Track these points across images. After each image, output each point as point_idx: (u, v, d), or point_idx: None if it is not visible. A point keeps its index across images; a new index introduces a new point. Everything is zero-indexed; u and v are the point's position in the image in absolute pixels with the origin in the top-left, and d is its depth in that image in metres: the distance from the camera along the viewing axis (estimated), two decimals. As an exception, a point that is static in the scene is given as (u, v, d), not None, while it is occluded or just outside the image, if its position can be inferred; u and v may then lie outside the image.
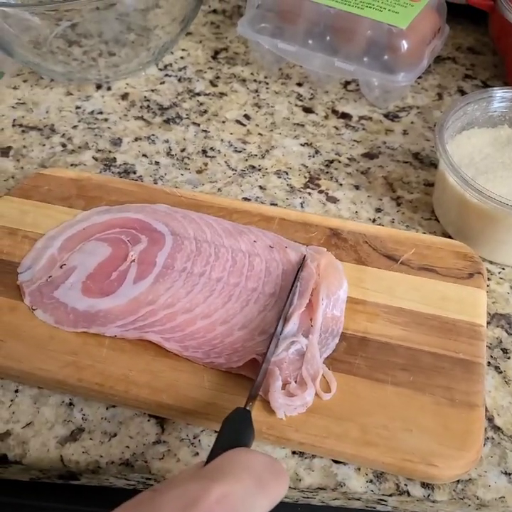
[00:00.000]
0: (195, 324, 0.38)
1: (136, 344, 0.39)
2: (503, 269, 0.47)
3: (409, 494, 0.36)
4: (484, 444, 0.37)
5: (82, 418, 0.38)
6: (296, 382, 0.37)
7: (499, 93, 0.49)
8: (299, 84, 0.63)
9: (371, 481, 0.36)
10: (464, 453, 0.35)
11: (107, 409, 0.39)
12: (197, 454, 0.37)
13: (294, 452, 0.37)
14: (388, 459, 0.35)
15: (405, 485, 0.36)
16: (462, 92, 0.62)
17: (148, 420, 0.38)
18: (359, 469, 0.36)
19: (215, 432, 0.38)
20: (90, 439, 0.37)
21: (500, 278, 0.46)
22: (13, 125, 0.57)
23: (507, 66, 0.61)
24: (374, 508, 0.37)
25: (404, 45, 0.55)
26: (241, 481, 0.27)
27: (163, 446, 0.37)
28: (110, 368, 0.38)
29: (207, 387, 0.37)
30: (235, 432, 0.32)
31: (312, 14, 0.58)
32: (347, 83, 0.62)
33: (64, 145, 0.56)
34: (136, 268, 0.42)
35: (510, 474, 0.37)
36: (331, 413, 0.36)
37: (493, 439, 0.38)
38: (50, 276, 0.42)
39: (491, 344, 0.42)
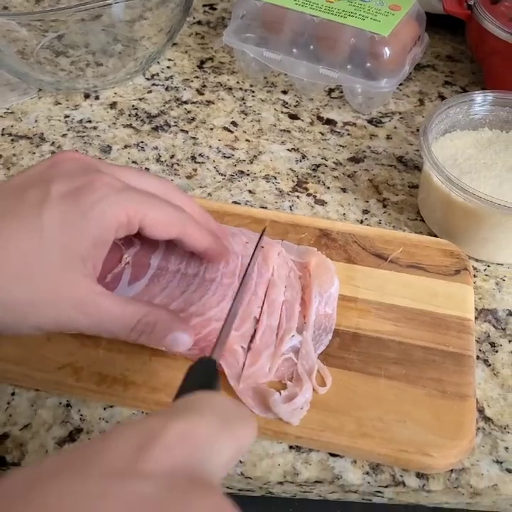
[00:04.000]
0: (191, 322, 0.39)
1: (132, 344, 0.39)
2: (489, 266, 0.48)
3: (404, 485, 0.37)
4: (476, 435, 0.38)
5: (80, 419, 0.38)
6: (291, 380, 0.38)
7: (480, 97, 0.51)
8: (284, 92, 0.64)
9: (367, 473, 0.37)
10: (457, 442, 0.36)
11: (104, 409, 0.39)
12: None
13: (290, 447, 0.38)
14: (384, 450, 0.36)
15: (401, 476, 0.37)
16: (443, 98, 0.64)
17: (146, 420, 0.38)
18: (355, 462, 0.37)
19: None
20: (89, 439, 0.38)
21: (486, 275, 0.48)
22: (2, 134, 0.58)
23: (485, 72, 0.63)
24: (370, 500, 0.38)
25: (387, 51, 0.56)
26: (205, 419, 0.24)
27: (161, 445, 0.37)
28: (107, 368, 0.38)
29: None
30: (200, 379, 0.30)
31: (296, 24, 0.59)
32: (331, 90, 0.64)
33: (54, 153, 0.56)
34: (130, 270, 0.42)
35: (501, 463, 0.37)
36: (326, 407, 0.37)
37: (484, 429, 0.39)
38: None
39: (479, 338, 0.44)
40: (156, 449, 0.22)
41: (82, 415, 0.38)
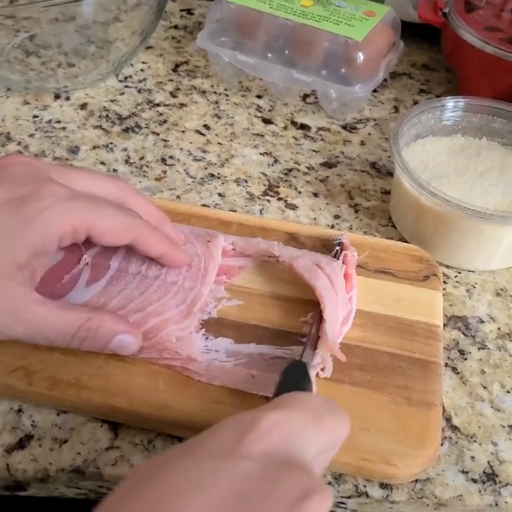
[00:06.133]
0: (147, 323, 0.38)
1: (88, 347, 0.38)
2: (459, 272, 0.47)
3: (368, 495, 0.35)
4: (442, 444, 0.37)
5: (32, 425, 0.37)
6: None
7: (451, 103, 0.51)
8: (259, 97, 0.63)
9: (330, 483, 0.36)
10: (421, 451, 0.35)
11: (58, 415, 0.37)
12: (151, 459, 0.36)
13: (251, 455, 0.36)
14: (347, 458, 0.35)
15: (364, 486, 0.36)
16: (418, 106, 0.63)
17: (102, 426, 0.37)
18: (317, 471, 0.36)
19: (170, 436, 0.37)
20: (39, 446, 0.36)
21: (457, 281, 0.47)
22: (-32, 133, 0.56)
23: (459, 81, 0.63)
24: (333, 511, 0.37)
25: (361, 56, 0.56)
26: (297, 412, 0.28)
27: (115, 452, 0.36)
28: (61, 371, 0.37)
29: (162, 390, 0.37)
30: (294, 380, 0.33)
31: (271, 27, 0.59)
32: (306, 96, 0.63)
33: (20, 152, 0.55)
34: (89, 271, 0.41)
35: (467, 472, 0.36)
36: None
37: (450, 438, 0.38)
38: (0, 280, 0.41)
39: (448, 345, 0.43)
40: (253, 435, 0.26)
41: (33, 421, 0.37)
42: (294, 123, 0.60)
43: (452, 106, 0.51)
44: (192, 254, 0.43)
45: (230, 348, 0.38)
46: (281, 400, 0.29)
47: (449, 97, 0.51)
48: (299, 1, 0.60)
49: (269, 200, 0.52)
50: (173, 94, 0.63)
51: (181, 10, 0.75)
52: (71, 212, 0.34)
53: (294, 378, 0.34)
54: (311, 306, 0.41)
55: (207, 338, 0.39)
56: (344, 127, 0.60)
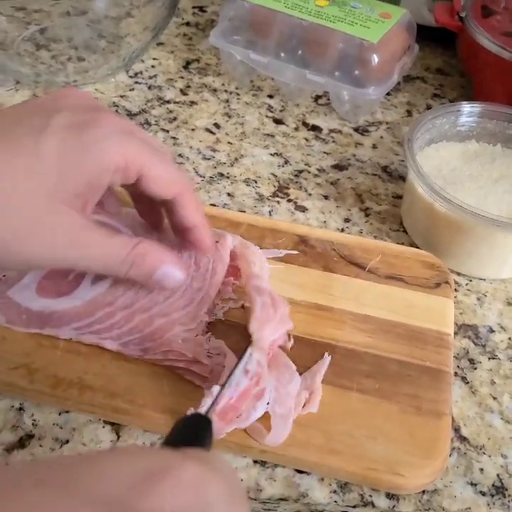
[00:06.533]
0: (153, 324, 0.37)
1: (92, 346, 0.37)
2: (471, 280, 0.47)
3: (373, 505, 0.35)
4: (450, 455, 0.36)
5: (33, 424, 0.36)
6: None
7: (467, 108, 0.50)
8: (270, 96, 0.62)
9: (335, 492, 0.35)
10: (430, 462, 0.34)
11: (59, 414, 0.36)
12: (153, 462, 0.35)
13: (255, 461, 0.35)
14: (352, 467, 0.34)
15: (370, 496, 0.35)
16: (431, 110, 0.63)
17: (103, 427, 0.36)
18: (322, 479, 0.35)
19: (174, 439, 0.36)
20: (40, 445, 0.35)
21: (468, 289, 0.46)
22: (-25, 125, 0.56)
23: (475, 86, 0.62)
24: (337, 521, 0.36)
25: (375, 58, 0.55)
26: (221, 479, 0.22)
27: (117, 454, 0.35)
28: (64, 370, 0.36)
29: (166, 392, 0.36)
30: (196, 435, 0.28)
31: (285, 26, 0.58)
32: (318, 97, 0.63)
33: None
34: (96, 268, 0.40)
35: (475, 485, 0.36)
36: (294, 420, 0.35)
37: (459, 449, 0.37)
38: (4, 275, 0.40)
39: (458, 354, 0.42)
40: (167, 483, 0.20)
41: (34, 420, 0.36)
42: (305, 124, 0.60)
43: (468, 111, 0.50)
44: (200, 256, 0.42)
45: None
46: (200, 454, 0.24)
47: (464, 102, 0.50)
48: (314, 0, 0.59)
49: (278, 202, 0.52)
50: (183, 92, 0.62)
51: (194, 7, 0.75)
52: (127, 146, 0.33)
53: (197, 432, 0.28)
54: (318, 310, 0.41)
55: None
56: (356, 130, 0.60)
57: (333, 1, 0.59)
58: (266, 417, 0.34)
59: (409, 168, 0.45)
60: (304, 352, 0.38)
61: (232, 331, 0.39)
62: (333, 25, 0.56)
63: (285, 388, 0.35)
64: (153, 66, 0.65)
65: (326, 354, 0.38)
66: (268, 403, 0.34)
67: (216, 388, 0.33)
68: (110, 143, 0.32)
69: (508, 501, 0.35)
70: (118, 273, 0.35)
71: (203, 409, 0.32)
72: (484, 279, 0.47)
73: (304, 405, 0.35)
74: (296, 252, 0.44)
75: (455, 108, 0.49)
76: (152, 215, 0.41)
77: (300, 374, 0.37)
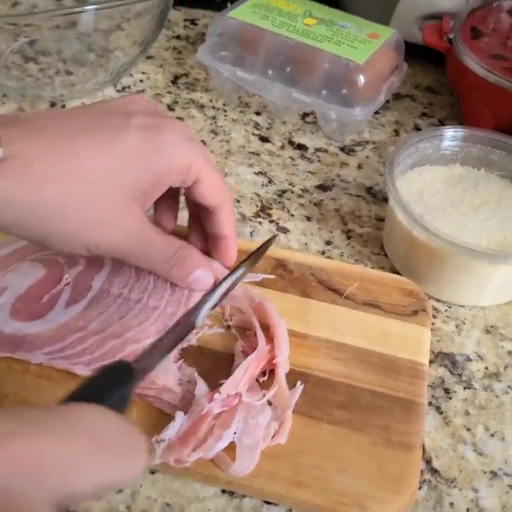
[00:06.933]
0: (125, 350, 0.37)
1: (62, 371, 0.37)
2: (450, 307, 0.46)
3: (341, 539, 0.34)
4: (421, 487, 0.36)
5: (1, 449, 0.36)
6: None
7: (450, 132, 0.50)
8: (258, 114, 0.62)
9: (302, 524, 0.35)
10: (398, 496, 0.34)
11: (28, 439, 0.36)
12: (120, 490, 0.35)
13: (223, 491, 0.35)
14: (320, 500, 0.34)
15: (338, 529, 0.35)
16: (418, 130, 0.62)
17: (72, 453, 0.36)
18: (290, 511, 0.35)
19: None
20: None
21: (447, 316, 0.46)
22: (-40, 138, 0.56)
23: (463, 107, 0.62)
24: (305, 552, 0.36)
25: (361, 79, 0.55)
26: (72, 440, 0.22)
27: (85, 482, 0.35)
28: (34, 396, 0.36)
29: (134, 420, 0.36)
30: (103, 388, 0.27)
31: (272, 44, 0.58)
32: (305, 115, 0.62)
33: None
34: (69, 291, 0.40)
35: (445, 520, 0.35)
36: (262, 451, 0.35)
37: (430, 482, 0.37)
38: (-23, 297, 0.40)
39: (433, 383, 0.42)
40: None
41: (3, 445, 0.36)
42: (291, 142, 0.60)
43: (451, 135, 0.50)
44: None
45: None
46: (64, 412, 0.23)
47: (448, 127, 0.50)
48: (303, 19, 0.59)
49: (260, 222, 0.51)
50: (170, 107, 0.62)
51: (185, 20, 0.75)
52: (193, 152, 0.36)
53: (108, 383, 0.28)
54: (294, 336, 0.41)
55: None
56: (342, 149, 0.59)
57: (322, 20, 0.59)
58: (232, 447, 0.34)
59: (390, 195, 0.45)
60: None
61: (205, 358, 0.39)
62: (320, 45, 0.56)
63: (255, 419, 0.35)
64: (141, 80, 0.65)
65: (299, 383, 0.38)
66: (235, 433, 0.34)
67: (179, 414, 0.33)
68: (181, 147, 0.35)
69: (477, 537, 0.35)
70: (159, 270, 0.39)
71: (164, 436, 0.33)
72: (463, 306, 0.46)
73: (273, 436, 0.35)
74: (273, 276, 0.44)
75: (438, 133, 0.49)
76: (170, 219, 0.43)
77: (271, 403, 0.37)
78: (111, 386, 0.28)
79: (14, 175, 0.31)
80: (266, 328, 0.39)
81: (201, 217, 0.40)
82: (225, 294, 0.39)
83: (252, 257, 0.41)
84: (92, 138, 0.33)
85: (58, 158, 0.32)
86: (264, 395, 0.36)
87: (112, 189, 0.34)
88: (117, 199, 0.34)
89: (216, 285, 0.39)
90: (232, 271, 0.40)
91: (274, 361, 0.38)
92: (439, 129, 0.50)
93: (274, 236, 0.44)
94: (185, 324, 0.37)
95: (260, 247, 0.42)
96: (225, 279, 0.39)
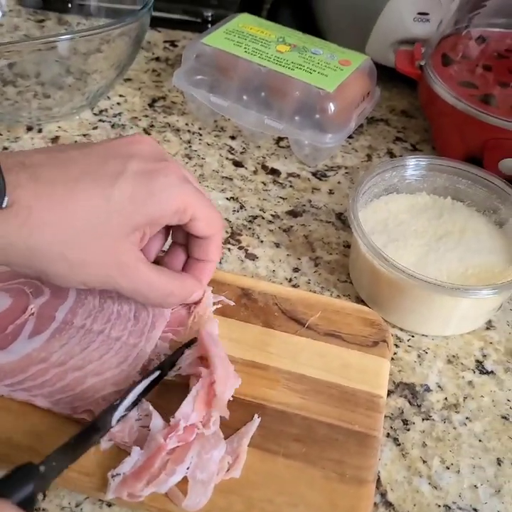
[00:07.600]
0: (85, 382, 0.37)
1: (23, 404, 0.38)
2: (413, 336, 0.47)
3: None
4: (374, 521, 0.37)
5: (-40, 481, 0.36)
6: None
7: (412, 162, 0.50)
8: (233, 138, 0.63)
9: (255, 558, 0.35)
10: (348, 532, 0.35)
11: (-12, 472, 0.37)
12: (76, 523, 0.35)
13: (178, 524, 0.36)
14: (271, 536, 0.34)
15: (290, 562, 0.35)
16: (391, 155, 0.63)
17: (31, 485, 0.36)
18: (244, 544, 0.35)
19: (100, 500, 0.36)
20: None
21: (409, 346, 0.46)
22: None
23: (434, 133, 0.63)
24: None
25: (332, 107, 0.56)
26: None
27: (41, 515, 0.36)
28: (-9, 428, 0.37)
29: (92, 452, 0.36)
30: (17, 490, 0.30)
31: (246, 72, 0.59)
32: (280, 139, 0.63)
33: None
34: (33, 322, 0.41)
35: (396, 554, 0.36)
36: (216, 484, 0.35)
37: (383, 515, 0.37)
38: None
39: (392, 414, 0.42)
40: None
41: (-38, 477, 0.36)
42: (264, 167, 0.60)
43: (414, 164, 0.50)
44: (139, 309, 0.42)
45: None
46: None
47: (410, 157, 0.51)
48: (276, 46, 0.60)
49: (229, 249, 0.52)
50: (146, 131, 0.63)
51: (165, 41, 0.75)
52: (188, 194, 0.38)
53: (15, 483, 0.31)
54: (254, 367, 0.41)
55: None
56: (314, 174, 0.60)
57: (295, 47, 0.60)
58: (185, 481, 0.35)
59: (352, 227, 0.45)
60: (234, 413, 0.38)
61: (164, 389, 0.39)
62: (291, 73, 0.57)
63: (209, 454, 0.35)
64: (118, 103, 0.66)
65: (256, 416, 0.39)
66: (188, 468, 0.35)
67: (135, 449, 0.34)
68: (173, 191, 0.38)
69: None
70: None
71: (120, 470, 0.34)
72: (426, 336, 0.47)
73: (228, 470, 0.36)
74: (232, 302, 0.45)
75: (401, 163, 0.50)
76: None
77: (228, 436, 0.37)
78: (18, 486, 0.30)
79: (17, 220, 0.33)
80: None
81: (189, 242, 0.42)
82: (140, 397, 0.38)
83: (169, 360, 0.40)
84: (90, 184, 0.35)
85: (58, 206, 0.34)
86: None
87: (107, 232, 0.36)
88: (111, 241, 0.36)
89: (132, 386, 0.37)
90: (149, 373, 0.38)
91: (213, 387, 0.37)
92: (402, 159, 0.51)
93: (194, 338, 0.41)
94: (99, 425, 0.36)
95: (180, 348, 0.41)
96: (140, 381, 0.38)
